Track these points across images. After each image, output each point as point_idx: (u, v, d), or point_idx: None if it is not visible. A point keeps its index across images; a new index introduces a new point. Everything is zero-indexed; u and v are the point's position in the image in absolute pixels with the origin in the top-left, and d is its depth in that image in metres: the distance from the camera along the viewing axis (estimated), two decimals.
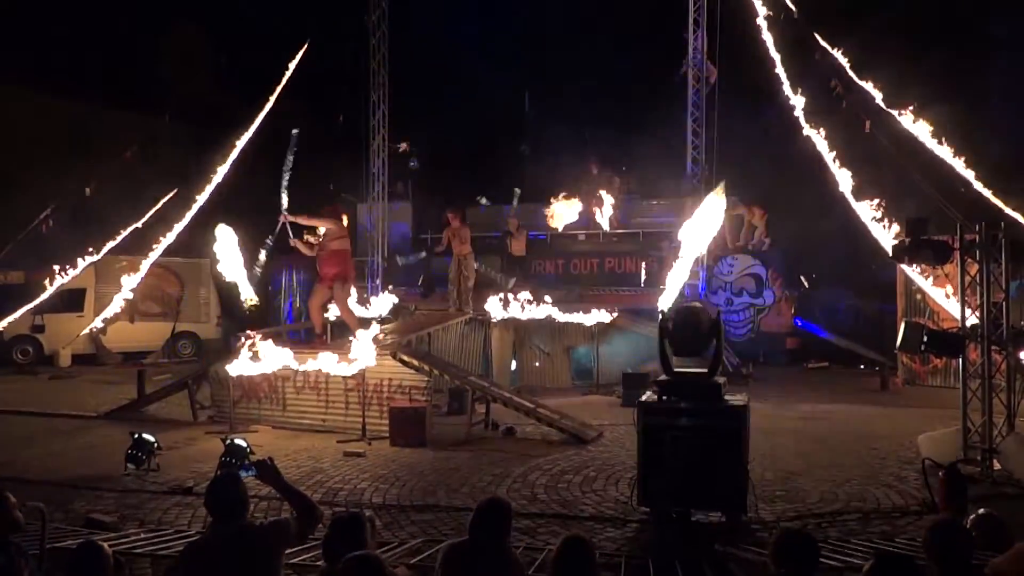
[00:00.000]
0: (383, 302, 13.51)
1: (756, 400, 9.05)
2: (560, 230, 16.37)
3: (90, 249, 13.37)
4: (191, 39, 21.14)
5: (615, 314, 13.51)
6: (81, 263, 13.28)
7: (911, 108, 10.93)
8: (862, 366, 15.02)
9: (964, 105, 13.10)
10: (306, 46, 14.85)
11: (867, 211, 10.25)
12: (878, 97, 11.48)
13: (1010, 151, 13.85)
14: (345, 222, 11.72)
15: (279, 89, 14.32)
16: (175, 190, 14.43)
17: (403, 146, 19.44)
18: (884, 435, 9.19)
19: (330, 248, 10.72)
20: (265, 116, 13.98)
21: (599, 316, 13.18)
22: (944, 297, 9.83)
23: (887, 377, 13.25)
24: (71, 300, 16.40)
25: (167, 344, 18.14)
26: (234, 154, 13.50)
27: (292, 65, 14.58)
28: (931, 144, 10.76)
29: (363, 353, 9.42)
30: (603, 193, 16.52)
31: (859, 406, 11.37)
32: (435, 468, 7.87)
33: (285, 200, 10.59)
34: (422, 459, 8.28)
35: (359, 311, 12.04)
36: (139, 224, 13.81)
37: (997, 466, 7.20)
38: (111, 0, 21.08)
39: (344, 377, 9.58)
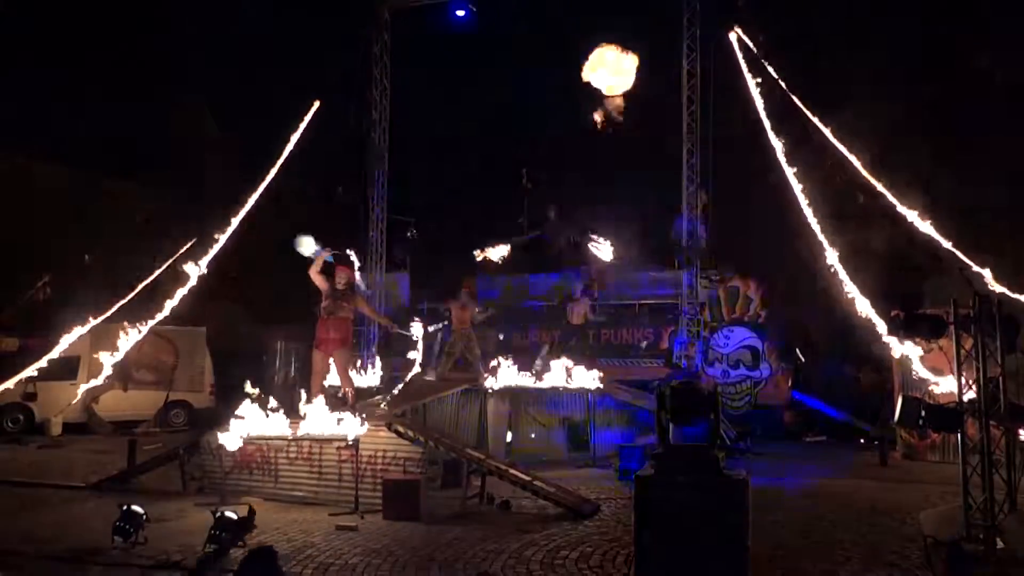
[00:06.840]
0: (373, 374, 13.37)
1: (754, 474, 8.95)
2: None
3: (87, 316, 13.27)
4: (196, 110, 21.54)
5: (601, 382, 13.40)
6: (76, 330, 13.18)
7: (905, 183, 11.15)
8: (861, 440, 14.88)
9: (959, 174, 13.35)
10: (315, 106, 14.99)
11: (858, 287, 10.35)
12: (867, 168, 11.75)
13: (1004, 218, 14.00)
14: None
15: (286, 152, 14.40)
16: (194, 239, 14.17)
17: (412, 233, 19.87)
18: (885, 511, 9.06)
19: (339, 314, 10.69)
20: (267, 186, 14.07)
21: (588, 382, 13.12)
22: (932, 374, 9.86)
23: (886, 452, 13.11)
24: (65, 367, 16.25)
25: (159, 413, 17.96)
26: (236, 221, 13.51)
27: (301, 127, 14.72)
28: (918, 219, 10.97)
29: (357, 423, 9.34)
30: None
31: (859, 481, 11.22)
32: (428, 543, 7.72)
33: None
34: (415, 533, 8.13)
35: (356, 380, 11.97)
36: (145, 283, 13.70)
37: (1001, 544, 7.08)
38: (118, 69, 21.48)
39: (338, 448, 9.47)
